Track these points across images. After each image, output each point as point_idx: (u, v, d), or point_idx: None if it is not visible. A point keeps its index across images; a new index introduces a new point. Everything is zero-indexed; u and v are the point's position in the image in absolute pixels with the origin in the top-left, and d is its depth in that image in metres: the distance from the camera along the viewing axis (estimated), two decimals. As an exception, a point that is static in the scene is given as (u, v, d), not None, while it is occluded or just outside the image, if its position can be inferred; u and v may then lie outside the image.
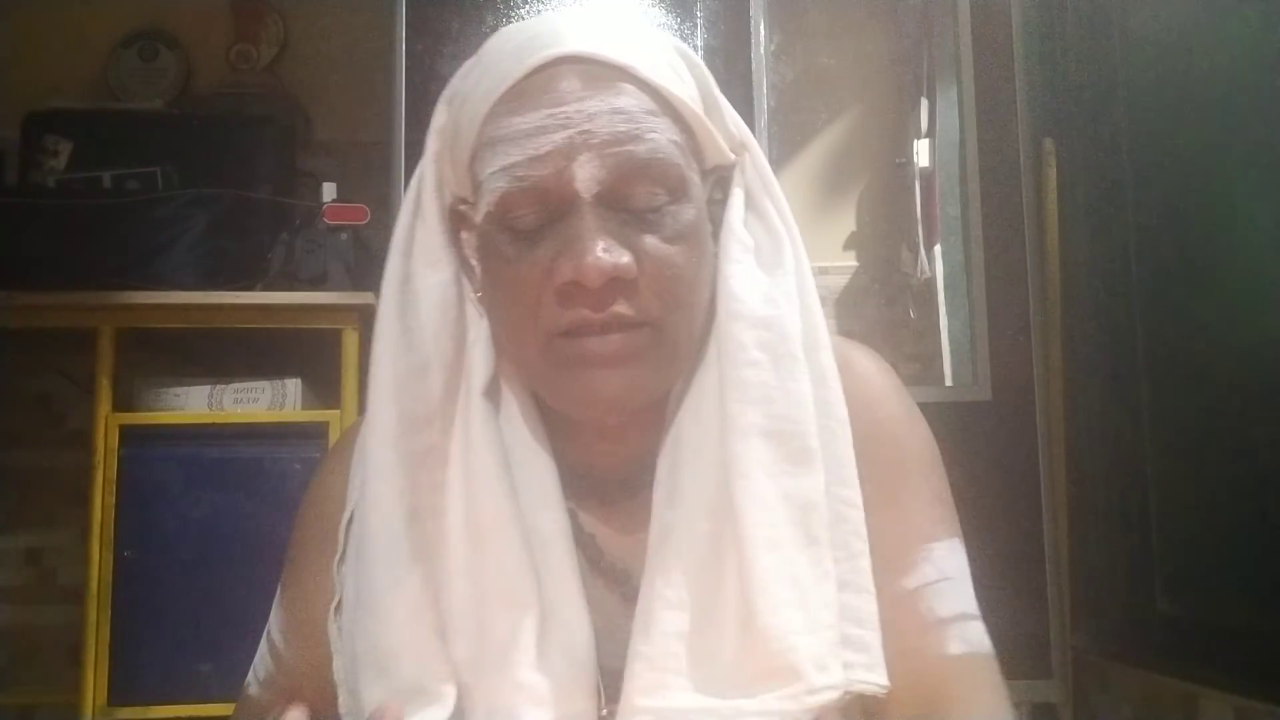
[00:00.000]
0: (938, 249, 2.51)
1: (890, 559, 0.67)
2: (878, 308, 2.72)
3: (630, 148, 0.61)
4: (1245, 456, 1.72)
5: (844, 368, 0.71)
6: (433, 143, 0.69)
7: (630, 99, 0.62)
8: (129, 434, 1.96)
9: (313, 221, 2.13)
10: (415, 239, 0.70)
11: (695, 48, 2.28)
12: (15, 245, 2.01)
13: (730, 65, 2.26)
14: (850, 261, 2.74)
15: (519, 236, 0.63)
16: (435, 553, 0.67)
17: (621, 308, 0.62)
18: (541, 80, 0.62)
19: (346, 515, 0.72)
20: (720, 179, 0.71)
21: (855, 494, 0.66)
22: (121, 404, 1.99)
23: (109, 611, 1.90)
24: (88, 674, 1.87)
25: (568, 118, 0.61)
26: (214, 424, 2.01)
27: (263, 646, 0.79)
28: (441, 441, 0.68)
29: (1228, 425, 1.77)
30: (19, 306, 1.97)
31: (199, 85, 2.57)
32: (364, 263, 2.13)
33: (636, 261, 0.62)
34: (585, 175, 0.61)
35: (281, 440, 2.00)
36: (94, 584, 1.90)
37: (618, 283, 0.61)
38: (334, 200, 2.13)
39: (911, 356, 2.67)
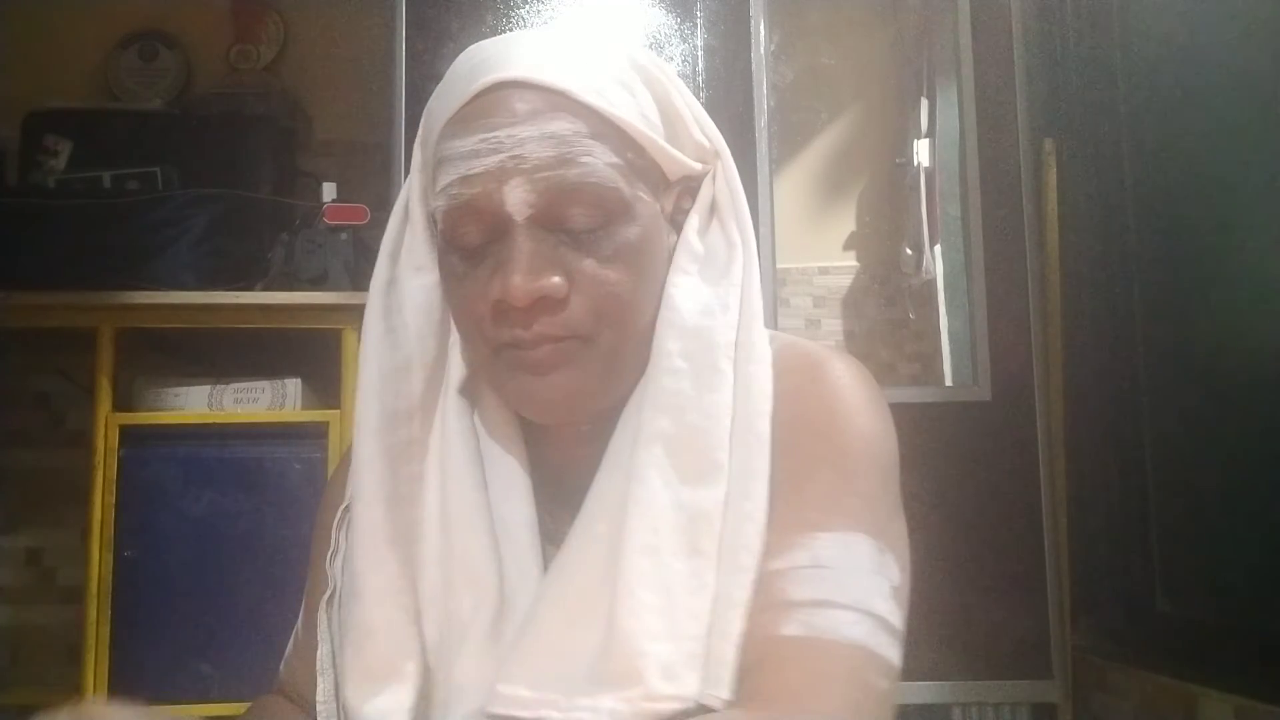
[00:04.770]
0: (938, 249, 2.51)
1: (771, 543, 0.64)
2: (878, 308, 2.73)
3: (561, 172, 0.63)
4: (1245, 456, 1.72)
5: (813, 369, 0.70)
6: (417, 153, 0.72)
7: (565, 124, 0.64)
8: (129, 434, 1.96)
9: (313, 221, 2.13)
10: (403, 243, 0.73)
11: (695, 48, 2.28)
12: (15, 245, 2.01)
13: (730, 65, 2.26)
14: (850, 261, 2.74)
15: (465, 254, 0.66)
16: (414, 539, 0.70)
17: (546, 326, 0.64)
18: (482, 105, 0.64)
19: (339, 512, 0.76)
20: (688, 188, 0.73)
21: (758, 509, 0.65)
22: (121, 404, 1.99)
23: (109, 611, 1.90)
24: (88, 674, 1.87)
25: (499, 142, 0.63)
26: (214, 424, 2.01)
27: (288, 649, 0.84)
28: (421, 435, 0.72)
29: (1228, 426, 1.77)
30: (19, 306, 1.97)
31: (199, 85, 2.57)
32: (364, 263, 2.12)
33: (570, 281, 0.64)
34: (516, 199, 0.63)
35: (281, 440, 2.00)
36: (94, 584, 1.90)
37: (546, 301, 0.64)
38: (334, 200, 2.13)
39: (911, 356, 2.68)
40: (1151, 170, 2.01)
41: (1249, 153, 1.73)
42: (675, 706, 0.61)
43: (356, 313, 2.00)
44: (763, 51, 2.26)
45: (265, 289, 2.06)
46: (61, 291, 1.97)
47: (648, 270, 0.68)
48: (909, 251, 2.59)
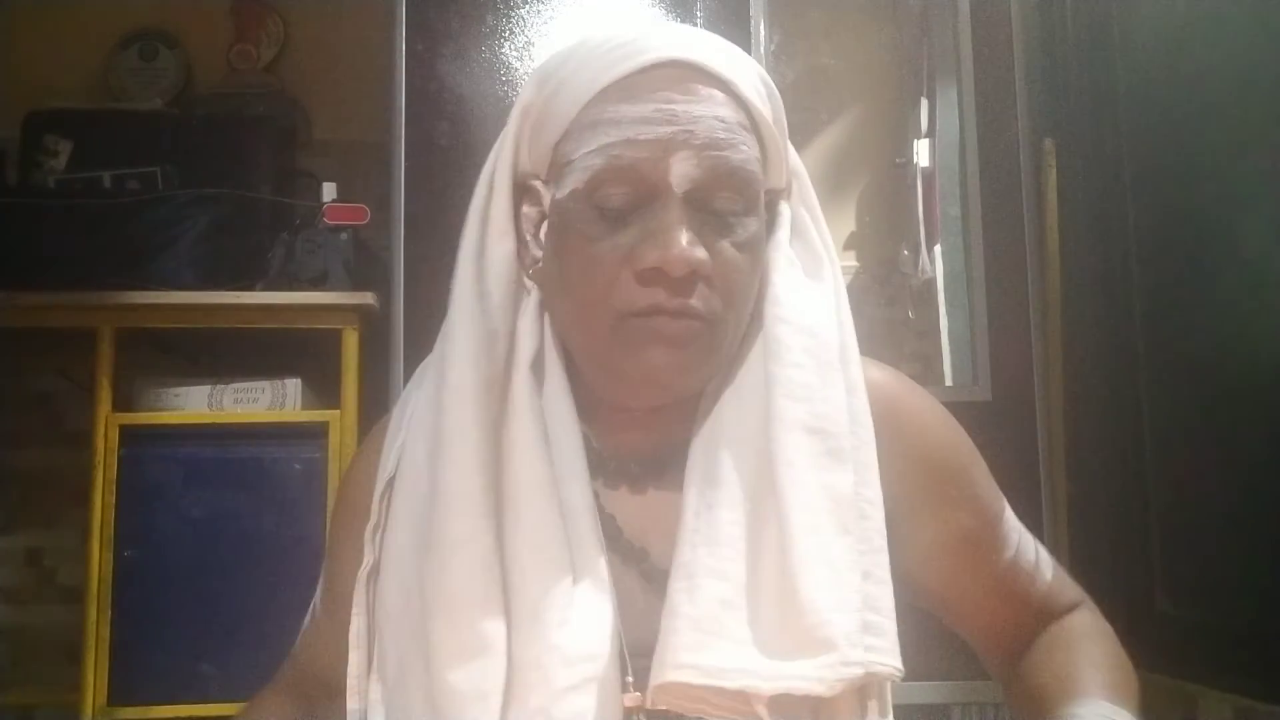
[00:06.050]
0: (938, 249, 2.51)
1: (989, 541, 0.81)
2: (878, 308, 2.72)
3: (726, 154, 0.67)
4: (1245, 457, 1.72)
5: (872, 388, 0.75)
6: (514, 120, 0.73)
7: (729, 110, 0.68)
8: (129, 434, 1.96)
9: (313, 221, 2.13)
10: (490, 212, 0.73)
11: (695, 48, 2.28)
12: (15, 245, 2.01)
13: (730, 65, 2.26)
14: (850, 261, 2.73)
15: (604, 216, 0.67)
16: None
17: (695, 300, 0.66)
18: (650, 78, 0.67)
19: (381, 486, 0.76)
20: (770, 201, 0.75)
21: (877, 494, 0.71)
22: (121, 404, 1.99)
23: (109, 611, 1.90)
24: (88, 674, 1.87)
25: (674, 115, 0.66)
26: (214, 424, 2.01)
27: (304, 623, 0.84)
28: (500, 407, 0.72)
29: (1228, 425, 1.77)
30: (19, 306, 1.97)
31: (199, 85, 2.56)
32: (364, 263, 2.12)
33: (710, 260, 0.67)
34: (681, 171, 0.66)
35: (281, 440, 2.00)
36: (94, 584, 1.90)
37: (695, 276, 0.66)
38: (334, 200, 2.13)
39: (911, 356, 2.67)
40: (1151, 170, 2.01)
41: (1249, 152, 1.73)
42: (860, 672, 0.65)
43: (356, 313, 2.03)
44: (763, 51, 2.26)
45: (265, 289, 2.06)
46: (61, 291, 1.97)
47: (759, 264, 0.72)
48: (907, 252, 2.59)
